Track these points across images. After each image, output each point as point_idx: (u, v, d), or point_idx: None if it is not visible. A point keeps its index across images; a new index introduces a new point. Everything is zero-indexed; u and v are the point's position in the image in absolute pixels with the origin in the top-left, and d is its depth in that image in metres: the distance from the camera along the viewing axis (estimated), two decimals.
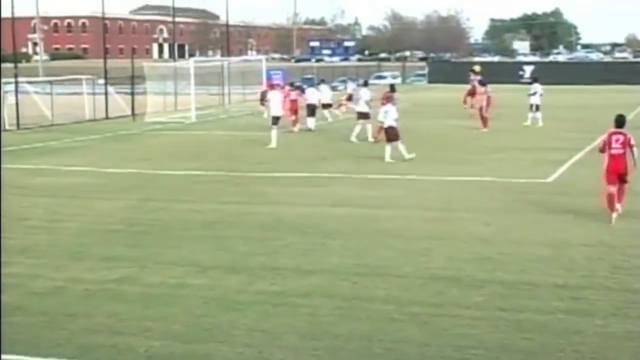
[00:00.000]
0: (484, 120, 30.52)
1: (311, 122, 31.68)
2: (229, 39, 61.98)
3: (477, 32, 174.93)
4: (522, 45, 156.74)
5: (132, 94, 40.05)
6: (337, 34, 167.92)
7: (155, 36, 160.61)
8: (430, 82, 71.51)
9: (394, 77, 77.40)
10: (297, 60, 64.30)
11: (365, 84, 30.32)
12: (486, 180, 18.79)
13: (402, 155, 21.77)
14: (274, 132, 25.92)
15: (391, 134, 22.15)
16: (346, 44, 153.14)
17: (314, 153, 24.51)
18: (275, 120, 26.31)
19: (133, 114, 38.87)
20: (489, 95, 30.96)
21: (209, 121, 37.37)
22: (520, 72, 68.14)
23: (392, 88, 28.49)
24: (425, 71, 75.72)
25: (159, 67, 45.09)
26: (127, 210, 15.68)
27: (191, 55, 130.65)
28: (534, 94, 32.72)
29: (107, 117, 38.85)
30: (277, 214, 14.98)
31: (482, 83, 31.55)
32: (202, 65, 45.76)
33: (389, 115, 22.24)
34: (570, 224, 13.92)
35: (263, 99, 41.26)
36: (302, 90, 34.45)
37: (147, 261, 11.66)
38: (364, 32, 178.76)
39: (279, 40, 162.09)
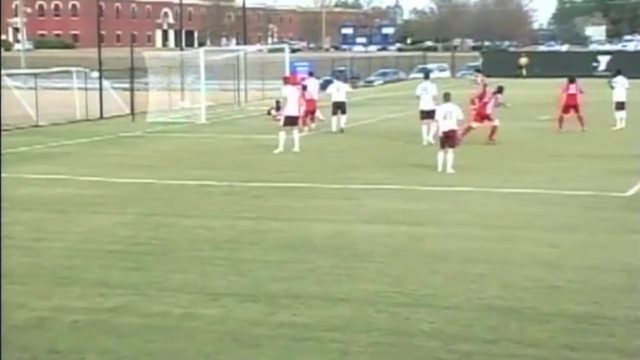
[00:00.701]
0: (560, 120, 30.57)
1: (338, 122, 31.73)
2: (246, 24, 62.24)
3: (542, 16, 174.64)
4: (596, 32, 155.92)
5: (132, 89, 40.34)
6: (374, 19, 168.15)
7: (158, 21, 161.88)
8: (484, 75, 71.23)
9: (441, 70, 77.27)
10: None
11: (427, 77, 30.30)
12: (550, 193, 18.70)
13: (446, 165, 21.65)
14: (295, 134, 26.06)
15: (451, 139, 21.93)
16: (385, 30, 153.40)
17: (345, 159, 24.54)
18: (291, 120, 26.31)
19: (132, 113, 39.16)
20: (571, 92, 30.70)
21: (222, 122, 37.56)
22: (595, 64, 67.76)
23: (500, 89, 28.97)
24: (479, 63, 75.51)
25: (164, 57, 45.35)
26: (125, 226, 15.77)
27: (201, 43, 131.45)
28: (617, 88, 32.36)
29: (101, 117, 39.17)
30: (302, 232, 15.01)
31: (572, 80, 31.23)
32: (214, 57, 45.95)
33: (452, 116, 22.01)
34: None
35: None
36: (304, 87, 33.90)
37: (148, 287, 11.72)
38: (406, 16, 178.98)
39: (305, 26, 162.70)
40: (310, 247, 13.95)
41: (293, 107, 26.49)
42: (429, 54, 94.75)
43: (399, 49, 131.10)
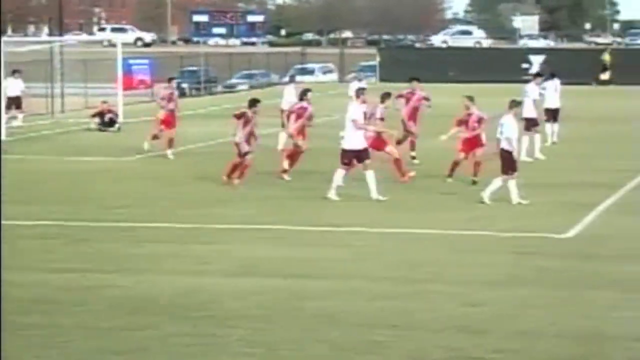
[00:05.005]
0: None
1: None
2: (63, 7, 61.67)
3: (457, 2, 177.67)
4: (527, 23, 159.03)
5: None
6: (237, 3, 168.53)
7: None
8: (383, 79, 71.92)
9: (326, 72, 77.70)
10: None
11: (553, 76, 31.91)
12: (474, 235, 18.97)
13: (511, 196, 21.77)
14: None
15: (509, 162, 22.02)
16: (251, 18, 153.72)
17: (209, 190, 24.27)
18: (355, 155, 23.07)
19: None
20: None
21: (31, 139, 36.89)
22: (525, 65, 68.93)
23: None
24: (376, 62, 76.20)
25: None
26: None
27: None
28: (547, 94, 32.84)
29: None
30: (145, 288, 14.90)
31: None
32: (17, 50, 45.21)
33: (506, 130, 22.07)
34: (607, 307, 14.10)
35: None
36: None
37: None
38: (280, 0, 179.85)
39: (146, 11, 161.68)
40: (155, 308, 13.85)
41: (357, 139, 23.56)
42: (310, 49, 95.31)
43: (270, 43, 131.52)
